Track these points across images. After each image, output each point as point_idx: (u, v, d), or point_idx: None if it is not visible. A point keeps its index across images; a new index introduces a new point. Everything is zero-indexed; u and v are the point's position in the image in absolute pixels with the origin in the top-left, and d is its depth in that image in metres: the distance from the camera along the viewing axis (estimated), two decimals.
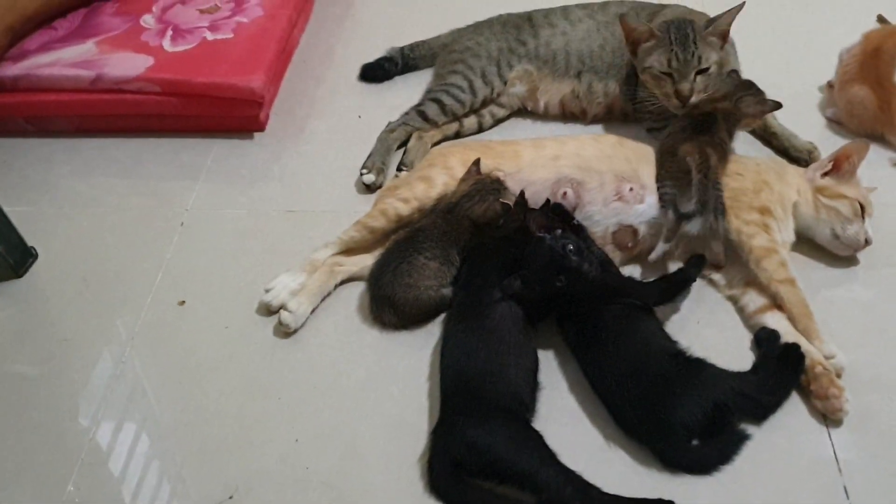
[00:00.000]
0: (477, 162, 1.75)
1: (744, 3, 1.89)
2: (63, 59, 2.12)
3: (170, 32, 2.19)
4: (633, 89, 2.02)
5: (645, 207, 1.68)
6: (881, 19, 2.32)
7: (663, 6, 2.07)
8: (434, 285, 1.62)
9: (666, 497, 1.31)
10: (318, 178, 2.00)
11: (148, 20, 2.25)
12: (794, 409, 1.46)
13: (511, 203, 1.66)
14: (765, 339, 1.53)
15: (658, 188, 1.69)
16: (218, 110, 2.08)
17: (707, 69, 1.87)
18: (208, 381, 1.59)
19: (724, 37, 1.91)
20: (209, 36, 2.18)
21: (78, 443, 1.50)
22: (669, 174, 1.67)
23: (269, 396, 1.55)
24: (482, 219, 1.68)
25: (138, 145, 2.12)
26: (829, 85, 2.10)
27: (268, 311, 1.68)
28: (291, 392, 1.56)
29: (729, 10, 1.89)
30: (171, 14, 2.27)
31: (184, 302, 1.73)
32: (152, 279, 1.78)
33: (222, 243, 1.86)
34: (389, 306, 1.62)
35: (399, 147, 2.03)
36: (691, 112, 1.81)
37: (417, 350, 1.60)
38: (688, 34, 1.87)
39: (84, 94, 2.08)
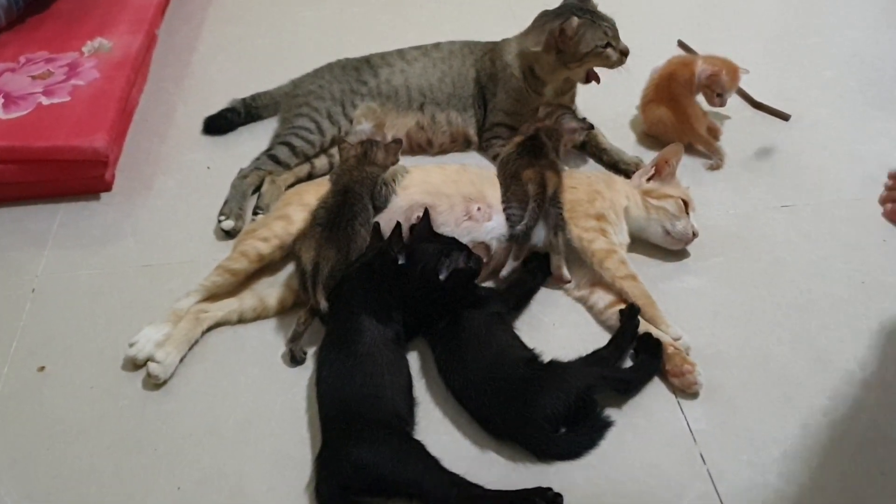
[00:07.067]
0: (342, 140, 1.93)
1: None
2: None
3: (0, 100, 2.15)
4: (481, 116, 2.15)
5: (493, 224, 1.78)
6: (681, 44, 2.58)
7: (496, 42, 2.20)
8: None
9: (544, 485, 1.38)
10: (173, 230, 2.00)
11: None
12: (649, 392, 1.59)
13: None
14: (626, 315, 1.66)
15: (504, 209, 1.80)
16: (61, 174, 2.04)
17: None
18: (79, 443, 1.54)
19: None
20: (44, 101, 2.14)
21: None
22: (515, 197, 1.79)
23: (145, 450, 1.53)
24: (386, 162, 1.86)
25: None
26: None
27: (134, 365, 1.65)
28: (167, 442, 1.54)
29: None
30: (1, 82, 2.22)
31: (43, 368, 1.68)
32: (6, 349, 1.72)
33: (79, 305, 1.82)
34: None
35: (253, 192, 2.06)
36: (523, 141, 1.91)
37: (293, 386, 1.62)
38: (594, 10, 2.06)
39: None
